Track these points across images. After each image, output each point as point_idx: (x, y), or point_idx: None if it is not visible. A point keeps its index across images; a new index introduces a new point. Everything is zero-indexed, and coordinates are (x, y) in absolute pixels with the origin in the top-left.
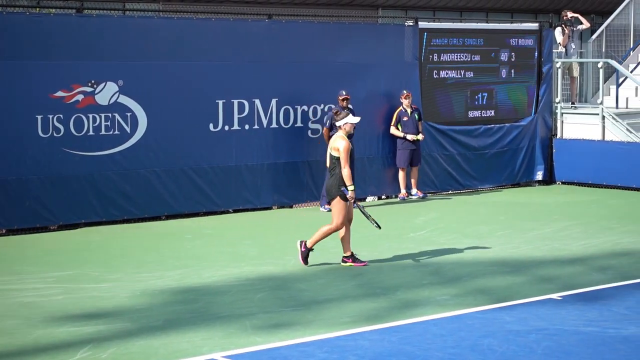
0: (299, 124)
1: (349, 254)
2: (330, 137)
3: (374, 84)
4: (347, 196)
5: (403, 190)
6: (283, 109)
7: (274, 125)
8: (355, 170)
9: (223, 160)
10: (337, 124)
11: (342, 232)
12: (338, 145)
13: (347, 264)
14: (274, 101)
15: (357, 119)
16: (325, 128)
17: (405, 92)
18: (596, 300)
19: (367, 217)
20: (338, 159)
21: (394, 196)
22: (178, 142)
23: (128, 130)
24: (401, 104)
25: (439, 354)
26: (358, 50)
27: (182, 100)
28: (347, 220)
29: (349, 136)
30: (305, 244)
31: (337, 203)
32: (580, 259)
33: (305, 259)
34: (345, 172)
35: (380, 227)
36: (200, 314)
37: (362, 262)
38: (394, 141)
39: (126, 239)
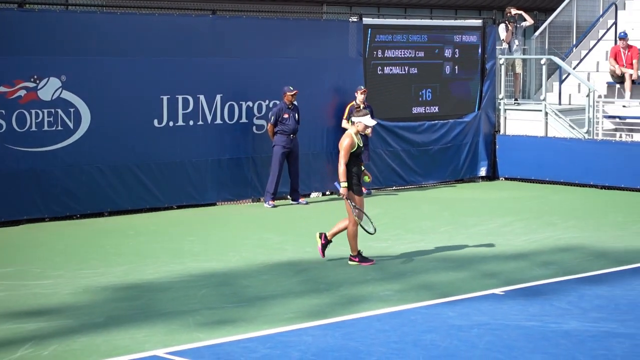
0: (243, 120)
1: (355, 253)
2: (275, 133)
3: (318, 80)
4: (339, 191)
5: None
6: (228, 104)
7: (219, 121)
8: (300, 167)
9: (167, 156)
10: (353, 119)
11: (345, 227)
12: (342, 141)
13: (354, 262)
14: (218, 97)
15: (373, 122)
16: (269, 124)
17: (362, 87)
18: (538, 295)
19: (357, 214)
20: (347, 156)
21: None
22: (122, 138)
23: (71, 126)
24: (355, 98)
25: (382, 349)
26: (302, 46)
27: (126, 95)
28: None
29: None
30: (325, 236)
31: (352, 198)
32: (522, 255)
33: (323, 251)
34: (341, 168)
35: (373, 232)
36: (143, 310)
37: (370, 260)
38: (337, 137)
39: (69, 236)
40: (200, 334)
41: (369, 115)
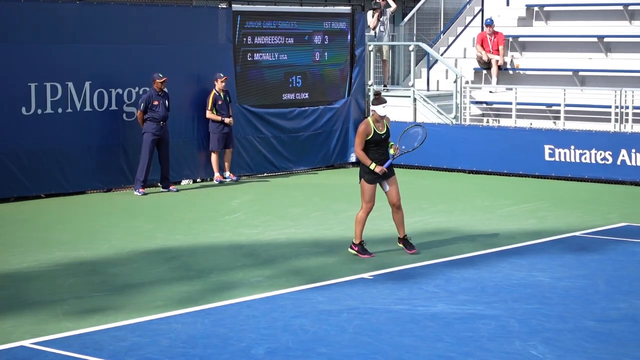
0: (113, 107)
1: (358, 241)
2: (145, 120)
3: (188, 67)
4: (377, 172)
5: (217, 173)
6: (97, 92)
7: (88, 108)
8: (170, 154)
9: (35, 145)
10: (371, 107)
11: (394, 216)
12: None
13: (352, 251)
14: (87, 84)
15: (384, 111)
16: (139, 111)
17: (221, 75)
18: (406, 279)
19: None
20: (361, 142)
21: (209, 179)
22: None
23: None
24: (214, 87)
25: (252, 335)
26: (172, 33)
27: None
28: (392, 205)
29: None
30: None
31: (362, 185)
32: (391, 239)
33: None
34: (360, 155)
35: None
36: (9, 300)
37: (369, 253)
38: (207, 124)
39: None
40: (68, 324)
41: (384, 104)
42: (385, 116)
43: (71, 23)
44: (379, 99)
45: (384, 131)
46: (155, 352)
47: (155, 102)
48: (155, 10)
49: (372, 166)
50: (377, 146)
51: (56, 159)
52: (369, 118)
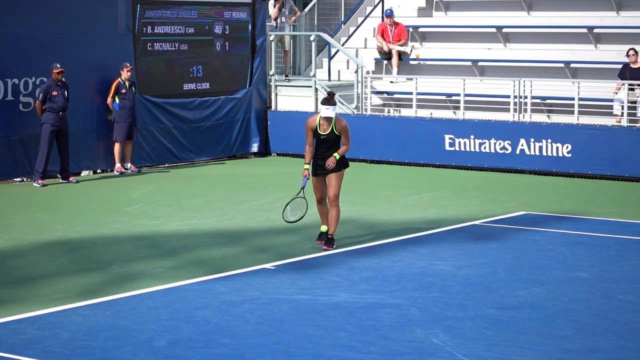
0: (9, 97)
1: (329, 231)
2: (43, 110)
3: (87, 56)
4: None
5: (118, 164)
6: None
7: None
8: (70, 145)
9: None
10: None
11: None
12: None
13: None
14: None
15: (325, 113)
16: (38, 102)
17: (128, 64)
18: (309, 269)
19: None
20: (307, 134)
21: (109, 170)
22: None
23: None
24: (120, 75)
25: (153, 327)
26: (70, 22)
27: None
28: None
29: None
30: (327, 244)
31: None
32: (294, 229)
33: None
34: (305, 148)
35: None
36: None
37: (317, 239)
38: (107, 114)
39: None
40: None
41: (328, 106)
42: (331, 119)
43: None
44: (325, 99)
45: (326, 133)
46: (55, 345)
47: (54, 93)
48: None
49: (305, 166)
50: (319, 143)
51: None
52: (319, 114)
